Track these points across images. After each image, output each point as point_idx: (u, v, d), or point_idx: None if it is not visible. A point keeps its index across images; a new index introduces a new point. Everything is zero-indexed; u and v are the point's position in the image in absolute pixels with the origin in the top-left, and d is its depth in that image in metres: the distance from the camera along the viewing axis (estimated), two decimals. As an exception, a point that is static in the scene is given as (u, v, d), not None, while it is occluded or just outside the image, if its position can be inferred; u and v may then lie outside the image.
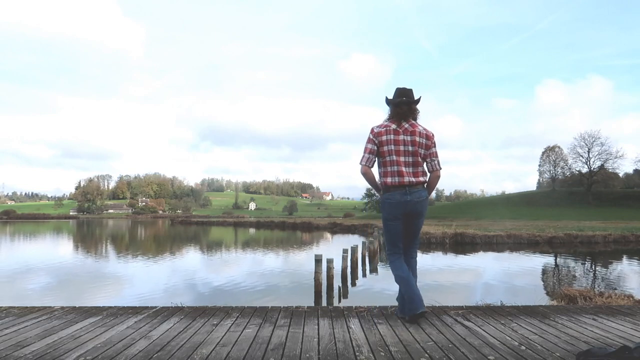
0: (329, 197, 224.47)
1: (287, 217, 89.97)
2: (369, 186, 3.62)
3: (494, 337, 2.83)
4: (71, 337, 2.85)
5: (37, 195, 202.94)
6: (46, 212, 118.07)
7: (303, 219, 60.86)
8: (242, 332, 2.95)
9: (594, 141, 67.75)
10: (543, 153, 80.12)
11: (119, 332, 2.96)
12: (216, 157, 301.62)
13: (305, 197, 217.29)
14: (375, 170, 3.50)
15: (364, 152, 3.38)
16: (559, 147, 77.37)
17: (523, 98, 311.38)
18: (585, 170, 69.98)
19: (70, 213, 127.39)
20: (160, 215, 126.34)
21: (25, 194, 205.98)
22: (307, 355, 2.46)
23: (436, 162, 3.46)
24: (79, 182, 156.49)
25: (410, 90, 3.45)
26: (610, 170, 69.05)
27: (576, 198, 68.48)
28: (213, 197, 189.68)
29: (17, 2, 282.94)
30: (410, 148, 3.33)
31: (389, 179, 3.33)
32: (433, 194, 3.51)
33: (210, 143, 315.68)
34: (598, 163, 68.39)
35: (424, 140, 3.38)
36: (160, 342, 2.73)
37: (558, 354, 2.49)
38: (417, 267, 3.63)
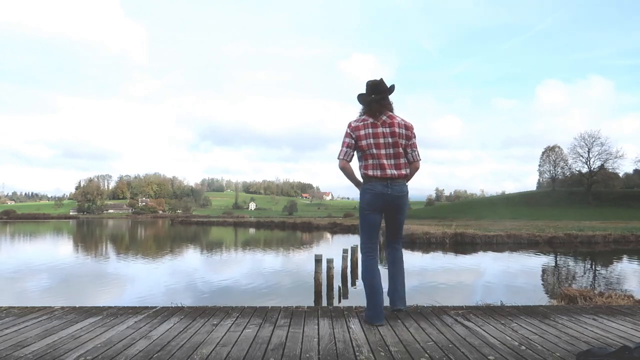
0: (329, 197, 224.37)
1: (287, 217, 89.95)
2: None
3: (494, 337, 2.83)
4: (71, 337, 2.85)
5: (37, 195, 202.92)
6: (46, 212, 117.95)
7: (303, 219, 60.84)
8: (242, 332, 2.95)
9: (594, 141, 67.85)
10: (543, 153, 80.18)
11: (119, 332, 2.96)
12: (216, 157, 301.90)
13: (305, 197, 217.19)
14: (355, 166, 3.41)
15: (342, 147, 3.29)
16: (559, 147, 77.44)
17: (523, 98, 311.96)
18: (585, 170, 70.02)
19: (70, 213, 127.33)
20: (160, 215, 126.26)
21: (25, 194, 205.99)
22: (307, 355, 2.46)
23: (416, 152, 3.39)
24: (79, 182, 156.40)
25: (380, 83, 3.33)
26: (610, 170, 69.05)
27: (576, 198, 68.48)
28: (213, 197, 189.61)
29: (18, 2, 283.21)
30: (390, 140, 3.26)
31: (370, 171, 3.26)
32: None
33: (210, 143, 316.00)
34: (598, 163, 68.50)
35: (404, 130, 3.31)
36: (160, 342, 2.73)
37: (558, 354, 2.49)
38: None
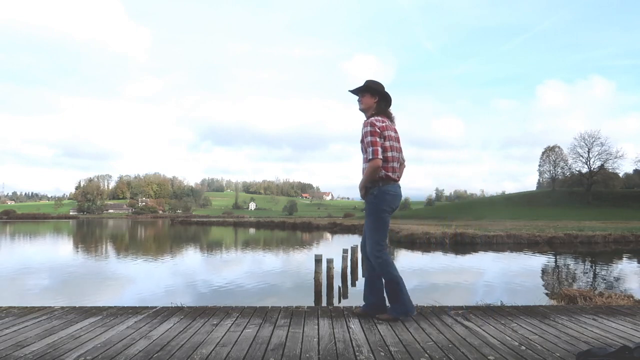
0: (329, 197, 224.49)
1: (287, 217, 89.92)
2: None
3: (494, 337, 2.83)
4: (71, 337, 2.85)
5: (37, 195, 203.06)
6: (46, 212, 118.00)
7: (303, 219, 60.76)
8: (242, 332, 2.95)
9: (594, 141, 67.92)
10: (543, 153, 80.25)
11: (119, 332, 2.96)
12: (216, 157, 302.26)
13: (305, 197, 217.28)
14: None
15: (376, 146, 3.17)
16: (559, 147, 77.52)
17: (524, 98, 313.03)
18: (585, 170, 70.09)
19: (70, 213, 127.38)
20: (160, 215, 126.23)
21: (25, 194, 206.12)
22: (307, 355, 2.46)
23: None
24: (79, 182, 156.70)
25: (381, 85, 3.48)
26: (610, 170, 69.12)
27: (576, 198, 68.52)
28: (213, 197, 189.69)
29: (24, 2, 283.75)
30: (399, 144, 3.42)
31: (390, 173, 3.29)
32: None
33: (211, 143, 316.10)
34: (598, 163, 68.57)
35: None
36: (160, 342, 2.73)
37: (558, 354, 2.49)
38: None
